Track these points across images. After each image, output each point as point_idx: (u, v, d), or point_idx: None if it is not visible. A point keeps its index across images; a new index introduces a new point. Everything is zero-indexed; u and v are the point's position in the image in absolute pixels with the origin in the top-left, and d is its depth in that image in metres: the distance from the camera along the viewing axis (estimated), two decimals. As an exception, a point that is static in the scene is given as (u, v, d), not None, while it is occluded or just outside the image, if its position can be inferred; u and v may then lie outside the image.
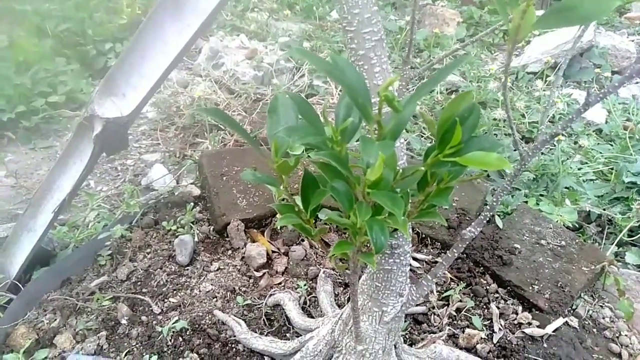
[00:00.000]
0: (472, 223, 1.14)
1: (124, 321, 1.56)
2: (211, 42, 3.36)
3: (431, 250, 1.86)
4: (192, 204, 1.97)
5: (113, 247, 1.79)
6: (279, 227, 1.93)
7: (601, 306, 1.69)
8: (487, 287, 1.70)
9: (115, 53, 3.18)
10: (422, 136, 2.63)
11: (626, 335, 1.58)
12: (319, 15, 4.25)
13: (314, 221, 0.94)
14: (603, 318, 1.64)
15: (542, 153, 2.43)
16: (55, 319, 1.55)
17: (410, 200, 0.92)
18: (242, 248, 1.84)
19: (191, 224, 1.90)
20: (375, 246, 0.77)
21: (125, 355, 1.46)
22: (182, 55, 1.32)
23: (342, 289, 1.72)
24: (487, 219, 1.13)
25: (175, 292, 1.69)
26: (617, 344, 1.56)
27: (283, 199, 1.81)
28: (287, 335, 1.56)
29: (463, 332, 1.55)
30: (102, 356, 1.45)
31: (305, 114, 0.82)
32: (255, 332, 1.53)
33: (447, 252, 1.19)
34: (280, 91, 2.94)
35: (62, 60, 3.03)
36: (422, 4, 4.56)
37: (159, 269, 1.75)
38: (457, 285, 1.71)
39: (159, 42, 1.36)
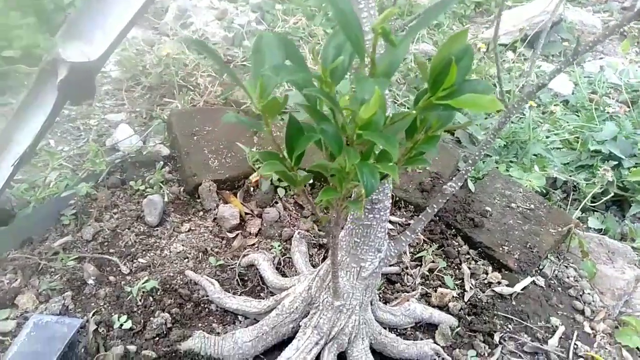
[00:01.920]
0: (453, 178, 1.14)
1: (90, 281, 1.50)
2: (179, 1, 3.21)
3: (405, 213, 1.87)
4: (161, 163, 1.90)
5: (77, 207, 1.71)
6: (252, 189, 1.89)
7: (566, 266, 1.74)
8: (459, 249, 1.73)
9: (76, 8, 2.99)
10: (395, 103, 2.62)
11: (589, 294, 1.65)
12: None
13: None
14: (568, 277, 1.70)
15: (512, 122, 2.46)
16: (16, 279, 1.48)
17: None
18: (214, 209, 1.79)
19: (160, 184, 1.83)
20: (365, 189, 0.75)
21: (93, 315, 1.41)
22: (150, 2, 1.24)
23: (316, 250, 1.71)
24: (468, 173, 1.13)
25: (144, 252, 1.63)
26: (580, 302, 1.62)
27: (257, 160, 1.76)
28: (262, 294, 1.55)
29: (435, 291, 1.57)
30: (68, 316, 1.39)
31: (291, 55, 0.78)
32: (229, 292, 1.51)
33: (427, 208, 1.18)
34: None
35: (16, 15, 2.82)
36: (395, -28, 4.50)
37: (127, 230, 1.69)
38: (430, 246, 1.72)
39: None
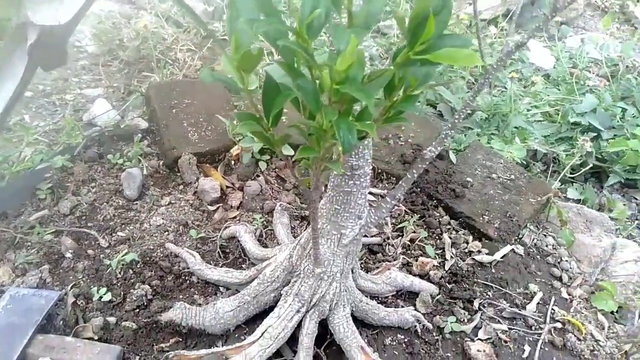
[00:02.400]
0: (433, 143, 1.13)
1: (68, 255, 1.48)
2: (156, -26, 3.12)
3: (386, 185, 1.87)
4: (139, 136, 1.86)
5: (53, 181, 1.68)
6: (233, 162, 1.87)
7: (545, 235, 1.77)
8: (440, 219, 1.74)
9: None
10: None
11: (566, 261, 1.68)
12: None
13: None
14: (546, 246, 1.72)
15: (494, 95, 2.47)
16: (-8, 253, 1.45)
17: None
18: (195, 182, 1.77)
19: (139, 158, 1.80)
20: (342, 146, 0.74)
21: (71, 288, 1.39)
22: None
23: (298, 222, 1.71)
24: (448, 137, 1.13)
25: (123, 226, 1.61)
26: (558, 269, 1.65)
27: (238, 133, 1.73)
28: (243, 266, 1.54)
29: (416, 260, 1.58)
30: (46, 289, 1.37)
31: (267, 9, 0.75)
32: (210, 264, 1.50)
33: (407, 173, 1.18)
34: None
35: (-15, -15, 2.72)
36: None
37: (105, 203, 1.66)
38: (411, 217, 1.73)
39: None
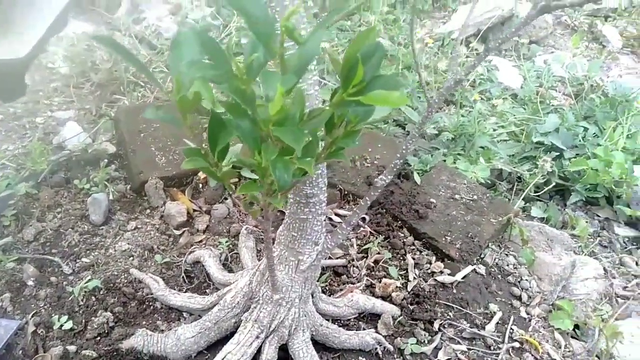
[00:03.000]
0: (384, 171, 1.17)
1: (30, 282, 1.48)
2: (131, -5, 3.15)
3: (353, 206, 1.90)
4: (106, 161, 1.87)
5: (18, 207, 1.68)
6: (200, 186, 1.88)
7: (506, 254, 1.81)
8: (404, 240, 1.77)
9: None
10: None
11: (526, 280, 1.72)
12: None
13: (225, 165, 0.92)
14: (507, 265, 1.76)
15: (462, 115, 2.53)
16: (-48, 282, 1.44)
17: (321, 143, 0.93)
18: (162, 207, 1.78)
19: (106, 183, 1.80)
20: (278, 184, 0.76)
21: (32, 316, 1.39)
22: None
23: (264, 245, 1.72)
24: (399, 167, 1.16)
25: (88, 252, 1.61)
26: (518, 288, 1.69)
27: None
28: (207, 291, 1.55)
29: (380, 282, 1.61)
30: (6, 318, 1.37)
31: (210, 50, 0.78)
32: (175, 290, 1.51)
33: (361, 200, 1.21)
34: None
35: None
36: (354, -33, 4.52)
37: (70, 229, 1.66)
38: (376, 238, 1.76)
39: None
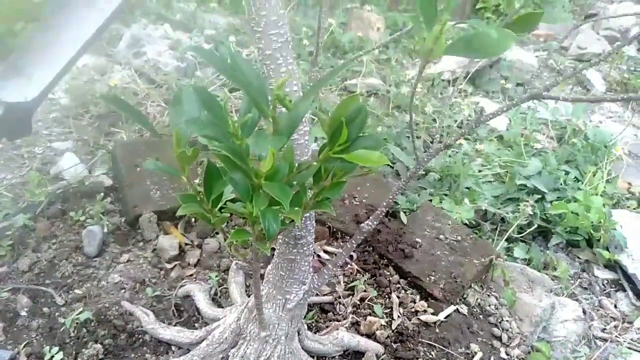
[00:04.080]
0: (370, 217, 1.24)
1: (23, 313, 1.51)
2: (133, 30, 3.26)
3: (341, 243, 1.96)
4: (102, 194, 1.92)
5: (14, 237, 1.72)
6: (193, 220, 1.94)
7: (488, 295, 1.87)
8: (390, 278, 1.83)
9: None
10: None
11: (507, 321, 1.77)
12: (247, 9, 4.25)
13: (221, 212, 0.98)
14: (489, 306, 1.82)
15: (449, 156, 2.62)
16: (-55, 312, 1.47)
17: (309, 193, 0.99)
18: (154, 240, 1.83)
19: (101, 215, 1.86)
20: (267, 233, 0.83)
21: (24, 347, 1.42)
22: (93, 41, 1.30)
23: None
24: (385, 213, 1.23)
25: (81, 283, 1.65)
26: (499, 329, 1.74)
27: (199, 192, 1.82)
28: (196, 325, 1.59)
29: (365, 319, 1.65)
30: (-2, 348, 1.40)
31: (209, 107, 0.85)
32: (164, 323, 1.54)
33: (347, 242, 1.28)
34: (197, 84, 2.93)
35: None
36: (350, 7, 4.70)
37: (64, 260, 1.70)
38: (363, 276, 1.81)
39: (70, 25, 1.33)
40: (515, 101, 1.02)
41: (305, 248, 1.26)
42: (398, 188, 1.16)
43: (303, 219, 1.22)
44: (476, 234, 2.12)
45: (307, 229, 1.24)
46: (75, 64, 2.83)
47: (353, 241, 1.26)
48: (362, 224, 1.23)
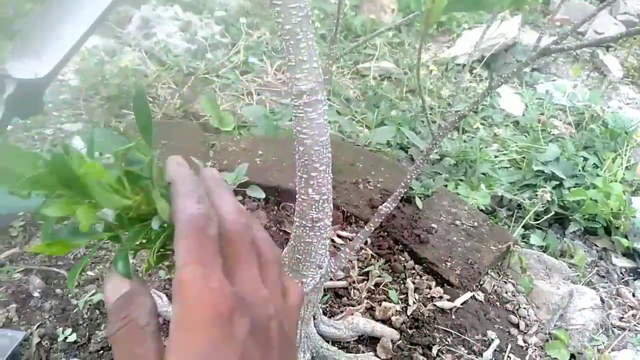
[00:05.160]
0: (388, 199, 1.20)
1: (36, 294, 1.50)
2: (143, 11, 3.22)
3: (355, 228, 1.93)
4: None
5: (26, 218, 1.70)
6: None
7: (505, 282, 1.83)
8: (405, 264, 1.80)
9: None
10: (354, 119, 2.69)
11: (524, 308, 1.74)
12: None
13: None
14: (506, 293, 1.79)
15: (465, 141, 2.57)
16: (-42, 292, 1.46)
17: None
18: (167, 222, 1.81)
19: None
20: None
21: (37, 328, 1.41)
22: (102, 20, 1.26)
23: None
24: (402, 195, 1.19)
25: (93, 265, 1.64)
26: (516, 316, 1.71)
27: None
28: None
29: (380, 305, 1.63)
30: (12, 329, 1.39)
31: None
32: (177, 306, 1.53)
33: (365, 226, 1.24)
34: (215, 66, 2.89)
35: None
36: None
37: (76, 242, 1.69)
38: (377, 261, 1.79)
39: (79, 4, 1.30)
40: (525, 60, 0.98)
41: (322, 231, 1.22)
42: (415, 167, 1.12)
43: (321, 201, 1.18)
44: (492, 220, 2.08)
45: (325, 212, 1.21)
46: (84, 45, 2.80)
47: (371, 224, 1.23)
48: (381, 206, 1.19)
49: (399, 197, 1.17)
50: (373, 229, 1.23)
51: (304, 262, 1.26)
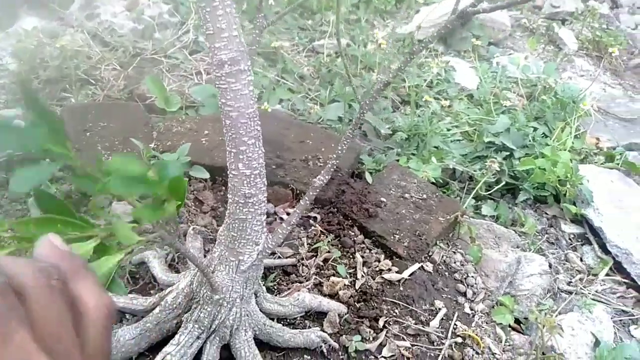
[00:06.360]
0: (321, 172, 1.18)
1: None
2: (86, -9, 3.07)
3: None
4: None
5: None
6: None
7: (454, 252, 1.84)
8: (355, 239, 1.79)
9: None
10: (307, 97, 2.65)
11: (472, 277, 1.75)
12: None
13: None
14: (454, 262, 1.80)
15: (418, 115, 2.56)
16: None
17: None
18: (108, 207, 1.75)
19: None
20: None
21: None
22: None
23: (212, 245, 1.71)
24: (334, 167, 1.17)
25: (29, 253, 1.57)
26: (464, 284, 1.73)
27: (153, 156, 1.72)
28: (152, 292, 1.53)
29: (328, 280, 1.62)
30: None
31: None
32: (118, 291, 1.48)
33: (301, 200, 1.22)
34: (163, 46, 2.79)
35: None
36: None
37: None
38: (327, 237, 1.77)
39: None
40: (446, 24, 0.96)
41: (256, 207, 1.19)
42: (346, 138, 1.09)
43: (253, 176, 1.15)
44: (444, 192, 2.09)
45: (257, 187, 1.18)
46: (23, 27, 2.66)
47: (306, 198, 1.20)
48: (314, 180, 1.17)
49: (332, 170, 1.14)
50: (309, 202, 1.20)
51: (239, 239, 1.23)
